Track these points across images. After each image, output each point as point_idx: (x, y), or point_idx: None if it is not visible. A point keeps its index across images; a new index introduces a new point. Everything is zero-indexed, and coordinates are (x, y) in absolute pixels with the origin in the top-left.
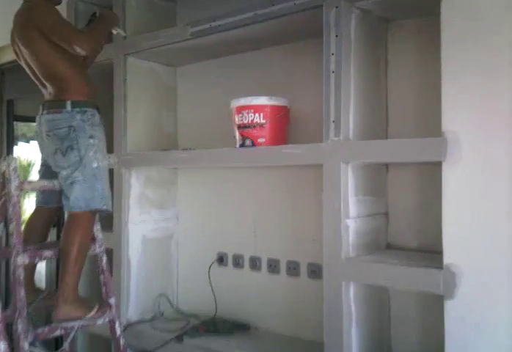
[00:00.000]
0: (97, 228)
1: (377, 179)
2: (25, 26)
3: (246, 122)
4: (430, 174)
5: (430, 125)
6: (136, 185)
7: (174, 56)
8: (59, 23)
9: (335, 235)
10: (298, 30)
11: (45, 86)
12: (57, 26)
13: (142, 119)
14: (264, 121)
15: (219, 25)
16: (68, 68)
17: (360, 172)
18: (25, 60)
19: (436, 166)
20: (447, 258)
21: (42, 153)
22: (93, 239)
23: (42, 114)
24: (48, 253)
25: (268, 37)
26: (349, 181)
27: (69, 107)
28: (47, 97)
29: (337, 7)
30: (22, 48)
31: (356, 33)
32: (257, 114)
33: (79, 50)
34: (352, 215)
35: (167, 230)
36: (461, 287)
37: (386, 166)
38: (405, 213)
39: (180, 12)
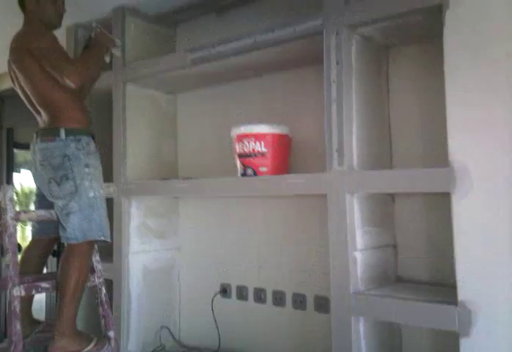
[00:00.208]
0: (96, 259)
1: (383, 209)
2: (19, 49)
3: (246, 150)
4: (439, 203)
5: (437, 153)
6: (136, 215)
7: (174, 83)
8: (52, 51)
9: (343, 267)
10: (299, 57)
11: (39, 113)
12: (50, 55)
13: (142, 148)
14: (265, 149)
15: (219, 52)
16: (62, 95)
17: (366, 203)
18: (20, 86)
19: (445, 196)
20: (462, 294)
21: (36, 183)
22: (92, 270)
23: (36, 143)
24: (45, 285)
25: (268, 63)
26: (355, 212)
27: (63, 135)
28: (41, 124)
29: (337, 34)
30: (17, 72)
31: (357, 60)
32: (258, 143)
33: (68, 82)
34: (360, 247)
35: (169, 260)
36: (478, 325)
37: (392, 196)
38: (414, 244)
39: (180, 38)
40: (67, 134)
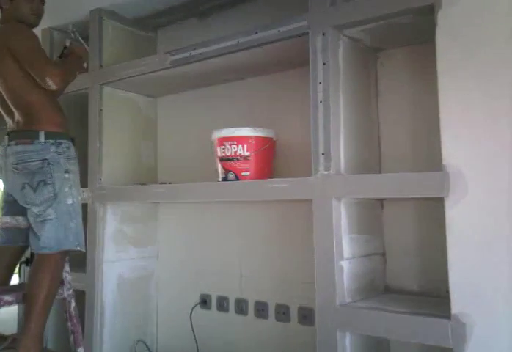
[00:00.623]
0: (65, 269)
1: (372, 216)
2: None
3: (228, 154)
4: (430, 209)
5: (428, 158)
6: (111, 221)
7: (153, 86)
8: (34, 51)
9: (328, 277)
10: (283, 59)
11: (11, 114)
12: (31, 54)
13: (119, 152)
14: (248, 153)
15: (200, 53)
16: (41, 96)
17: (353, 208)
18: None
19: (438, 201)
20: (456, 306)
21: (6, 188)
22: (61, 282)
23: (8, 145)
24: (7, 298)
25: (252, 66)
26: (342, 218)
27: (42, 138)
28: (13, 126)
29: (323, 34)
30: None
31: (344, 61)
32: (240, 146)
33: (50, 84)
34: (346, 256)
35: (146, 270)
36: (473, 339)
37: (381, 201)
38: (403, 252)
39: (162, 41)
40: (46, 137)
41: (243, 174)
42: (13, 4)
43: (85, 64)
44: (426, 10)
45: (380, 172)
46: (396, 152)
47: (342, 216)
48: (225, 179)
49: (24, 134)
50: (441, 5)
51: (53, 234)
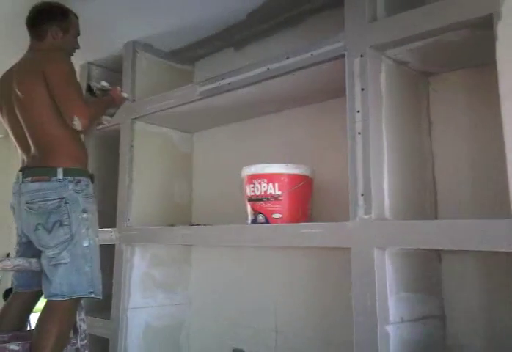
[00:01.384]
0: (80, 317)
1: (426, 270)
2: (31, 72)
3: (258, 193)
4: (500, 262)
5: (494, 202)
6: (139, 264)
7: (187, 120)
8: (69, 82)
9: (370, 346)
10: (320, 87)
11: (27, 149)
12: (65, 84)
13: (150, 190)
14: (280, 192)
15: (229, 83)
16: (64, 130)
17: (402, 261)
18: (10, 112)
19: (508, 253)
20: None
21: (19, 229)
22: (75, 330)
23: (22, 182)
24: (14, 347)
25: (287, 96)
26: (387, 272)
27: (60, 175)
28: (28, 161)
29: (362, 56)
30: (18, 93)
31: (388, 87)
32: (271, 185)
33: (76, 124)
34: (393, 320)
35: (176, 318)
36: None
37: (439, 252)
38: (467, 315)
39: (199, 74)
40: (65, 174)
41: (273, 216)
42: (65, 38)
43: (114, 110)
44: (483, 23)
45: (436, 218)
46: (455, 193)
47: (388, 270)
48: (254, 221)
49: (41, 170)
50: (501, 15)
51: (65, 279)
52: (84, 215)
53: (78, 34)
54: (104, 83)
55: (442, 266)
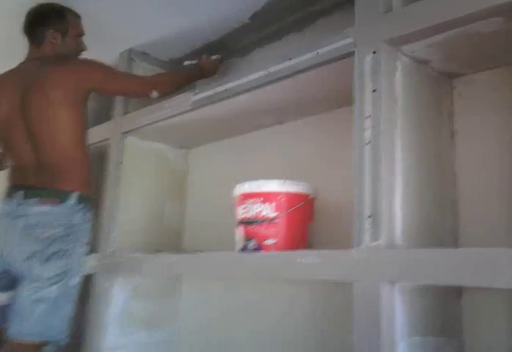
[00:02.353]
0: None
1: (444, 308)
2: (53, 84)
3: (250, 215)
4: None
5: None
6: (118, 297)
7: (182, 134)
8: (114, 76)
9: None
10: (327, 93)
11: (28, 164)
12: (114, 81)
13: (138, 212)
14: (275, 214)
15: (225, 89)
16: (81, 149)
17: (415, 298)
18: (10, 122)
19: None
20: None
21: (2, 253)
22: None
23: (22, 203)
24: None
25: (290, 105)
26: (397, 313)
27: (73, 200)
28: (30, 179)
29: (374, 52)
30: (31, 106)
31: (404, 89)
32: (266, 205)
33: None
34: None
35: None
36: None
37: (459, 288)
38: None
39: (201, 83)
40: (79, 200)
41: (266, 242)
42: (64, 40)
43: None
44: None
45: (456, 246)
46: (481, 216)
47: (398, 310)
48: (245, 248)
49: (52, 192)
50: None
51: (42, 319)
52: (84, 249)
53: (82, 35)
54: (187, 62)
55: (463, 303)
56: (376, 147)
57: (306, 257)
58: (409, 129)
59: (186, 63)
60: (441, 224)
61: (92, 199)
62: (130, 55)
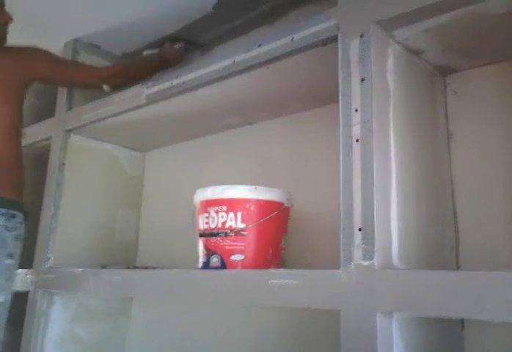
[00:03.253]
0: None
1: (446, 340)
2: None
3: (214, 226)
4: None
5: None
6: (59, 318)
7: (135, 134)
8: (60, 64)
9: None
10: (302, 87)
11: None
12: (60, 70)
13: (84, 221)
14: (243, 225)
15: (183, 82)
16: (14, 144)
17: (414, 330)
18: None
19: None
20: None
21: None
22: None
23: None
24: None
25: (257, 100)
26: (394, 347)
27: (22, 212)
28: None
29: (362, 36)
30: None
31: (396, 80)
32: (231, 214)
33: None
34: None
35: None
36: None
37: (462, 320)
38: None
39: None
40: (25, 214)
41: (232, 258)
42: None
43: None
44: None
45: (458, 265)
46: (482, 232)
47: (396, 345)
48: (206, 265)
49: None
50: None
51: None
52: (8, 261)
53: (6, 23)
54: (147, 52)
55: (466, 334)
56: (367, 146)
57: (281, 278)
58: (403, 126)
59: (146, 53)
60: (441, 238)
61: (21, 204)
62: (76, 46)
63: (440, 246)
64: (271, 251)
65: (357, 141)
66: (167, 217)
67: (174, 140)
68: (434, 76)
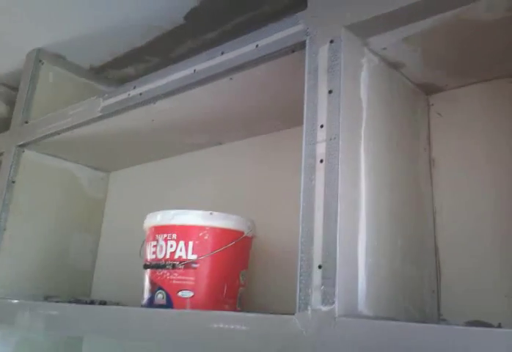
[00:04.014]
0: None
1: None
2: None
3: (161, 256)
4: None
5: None
6: None
7: (95, 151)
8: None
9: None
10: (271, 102)
11: None
12: None
13: (32, 245)
14: (194, 256)
15: (140, 93)
16: None
17: None
18: None
19: None
20: None
21: None
22: None
23: None
24: None
25: (222, 116)
26: None
27: None
28: None
29: (332, 42)
30: None
31: (370, 95)
32: (182, 243)
33: None
34: None
35: None
36: None
37: None
38: None
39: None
40: None
41: (180, 294)
42: None
43: None
44: None
45: (440, 315)
46: (467, 272)
47: None
48: (151, 302)
49: None
50: None
51: None
52: None
53: None
54: None
55: None
56: (332, 168)
57: (226, 322)
58: (377, 147)
59: None
60: (419, 279)
61: None
62: (39, 56)
63: (418, 287)
64: (225, 288)
65: (321, 161)
66: (128, 244)
67: (141, 160)
68: (417, 94)
